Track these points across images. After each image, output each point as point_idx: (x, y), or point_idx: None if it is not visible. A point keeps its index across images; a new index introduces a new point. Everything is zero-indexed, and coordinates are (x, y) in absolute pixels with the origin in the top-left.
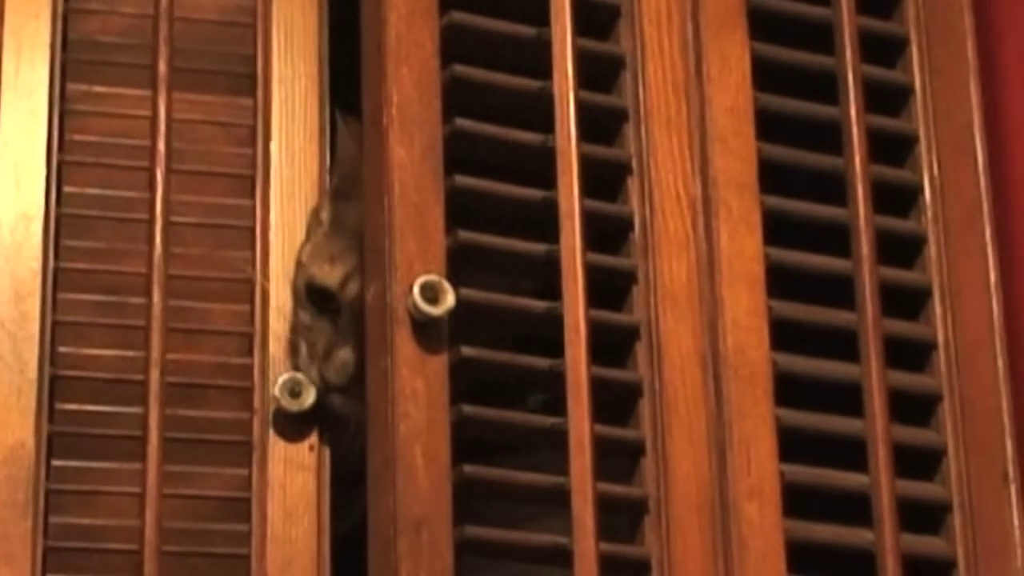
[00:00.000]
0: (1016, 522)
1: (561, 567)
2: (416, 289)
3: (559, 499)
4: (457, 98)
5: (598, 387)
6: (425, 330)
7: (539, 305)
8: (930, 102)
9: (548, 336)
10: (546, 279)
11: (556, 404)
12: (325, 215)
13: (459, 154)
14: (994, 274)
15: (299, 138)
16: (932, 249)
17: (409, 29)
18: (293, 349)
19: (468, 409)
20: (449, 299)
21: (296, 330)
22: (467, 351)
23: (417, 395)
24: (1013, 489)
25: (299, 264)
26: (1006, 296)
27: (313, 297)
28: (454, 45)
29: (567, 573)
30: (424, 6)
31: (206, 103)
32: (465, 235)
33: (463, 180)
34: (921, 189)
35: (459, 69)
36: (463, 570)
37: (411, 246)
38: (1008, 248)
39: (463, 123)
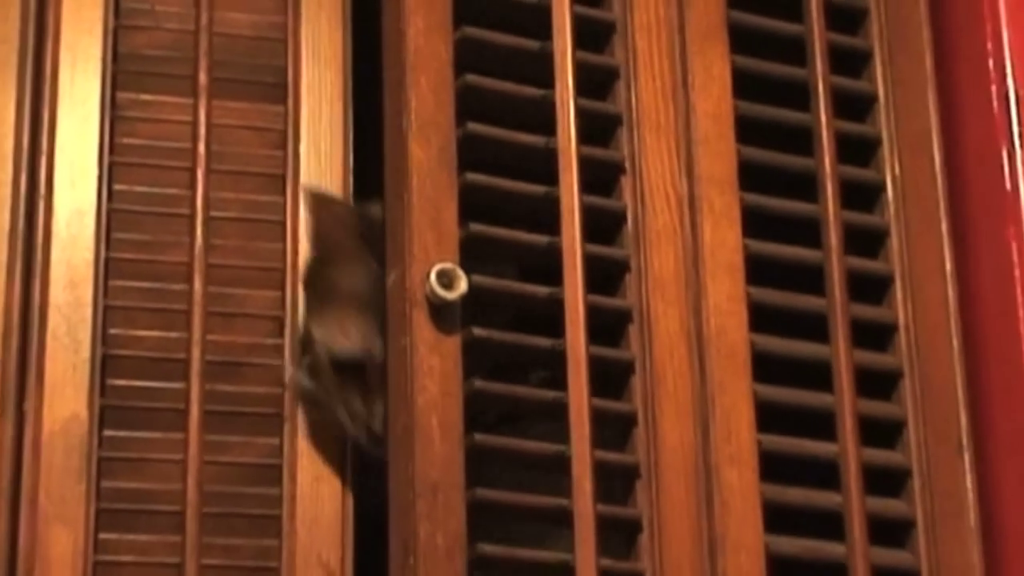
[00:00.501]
0: (969, 486)
1: (563, 526)
2: (433, 275)
3: (561, 465)
4: (469, 104)
5: (595, 364)
6: (441, 312)
7: (542, 291)
8: (892, 109)
9: (551, 318)
10: (548, 267)
11: (557, 380)
12: (319, 284)
13: (471, 154)
14: (950, 263)
15: (325, 141)
16: (894, 241)
17: (426, 42)
18: (328, 413)
19: (479, 384)
20: (462, 285)
21: (327, 397)
22: (478, 332)
23: (433, 371)
24: (966, 457)
25: (311, 340)
26: (961, 283)
27: (338, 366)
28: (467, 57)
29: (568, 532)
30: (440, 22)
31: (242, 109)
32: (476, 227)
33: (474, 178)
34: (884, 187)
35: (471, 78)
36: (474, 529)
37: (428, 237)
38: (963, 240)
39: (474, 127)
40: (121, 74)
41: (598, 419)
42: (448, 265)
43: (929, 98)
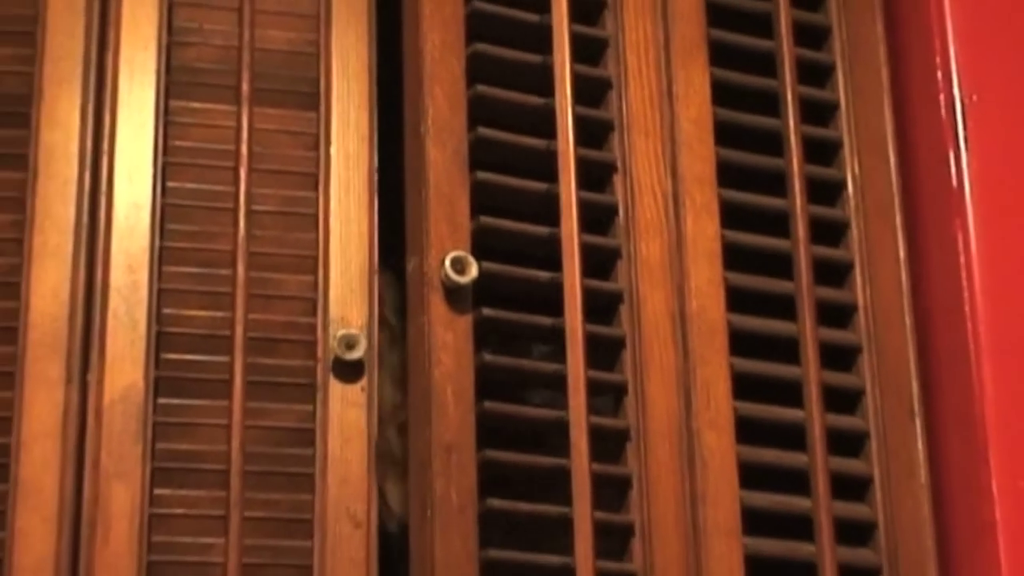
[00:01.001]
0: (920, 448)
1: (562, 484)
2: (447, 262)
3: (560, 429)
4: (480, 111)
5: (590, 340)
6: (454, 295)
7: (544, 275)
8: (852, 115)
9: (551, 299)
10: (549, 255)
11: (557, 354)
12: (399, 452)
13: (481, 155)
14: (903, 252)
15: (353, 144)
16: (854, 231)
17: (442, 56)
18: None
19: (488, 357)
20: (473, 270)
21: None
22: (487, 311)
23: (448, 346)
24: (918, 422)
25: (388, 508)
26: (912, 270)
27: (403, 531)
28: (477, 69)
29: (566, 490)
30: (453, 39)
31: (280, 116)
32: (486, 220)
33: (484, 176)
34: (845, 184)
35: (481, 88)
36: (484, 486)
37: (443, 228)
38: (914, 231)
39: (484, 131)
40: (173, 85)
41: (593, 388)
42: (461, 253)
43: (885, 105)
